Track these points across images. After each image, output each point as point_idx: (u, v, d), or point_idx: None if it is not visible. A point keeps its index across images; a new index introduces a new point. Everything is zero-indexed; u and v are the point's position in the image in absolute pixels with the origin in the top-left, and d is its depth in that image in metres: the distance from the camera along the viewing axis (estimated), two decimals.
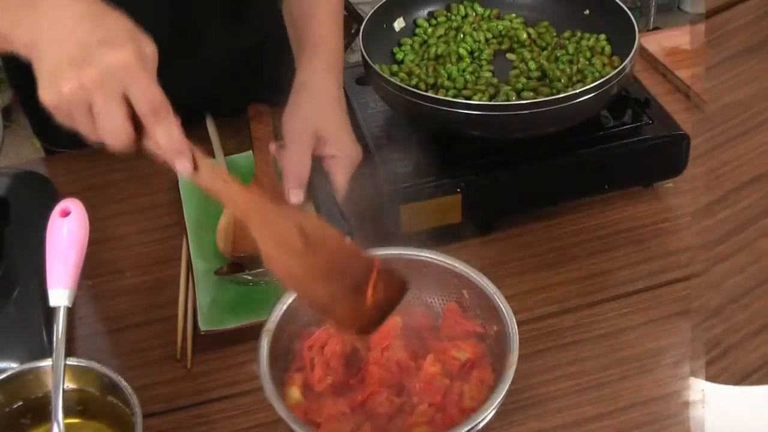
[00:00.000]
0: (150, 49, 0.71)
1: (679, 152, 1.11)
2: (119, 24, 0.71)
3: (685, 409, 0.90)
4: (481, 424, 0.76)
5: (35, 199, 1.08)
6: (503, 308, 0.84)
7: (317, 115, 1.00)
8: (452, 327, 0.87)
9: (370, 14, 1.17)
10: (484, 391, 0.81)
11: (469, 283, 0.87)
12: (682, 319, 0.98)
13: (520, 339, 0.96)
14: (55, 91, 0.68)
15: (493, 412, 0.77)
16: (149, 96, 0.69)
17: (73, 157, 1.35)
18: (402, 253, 0.90)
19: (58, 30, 0.69)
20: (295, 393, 0.82)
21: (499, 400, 0.77)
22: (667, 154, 1.11)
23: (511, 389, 0.91)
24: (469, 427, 0.75)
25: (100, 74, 0.67)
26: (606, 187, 1.12)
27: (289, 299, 0.87)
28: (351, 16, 2.68)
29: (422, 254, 0.90)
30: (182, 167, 0.70)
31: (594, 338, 0.97)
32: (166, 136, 0.70)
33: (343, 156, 1.00)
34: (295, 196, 0.98)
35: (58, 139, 1.30)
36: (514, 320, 0.83)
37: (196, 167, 0.71)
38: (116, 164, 1.26)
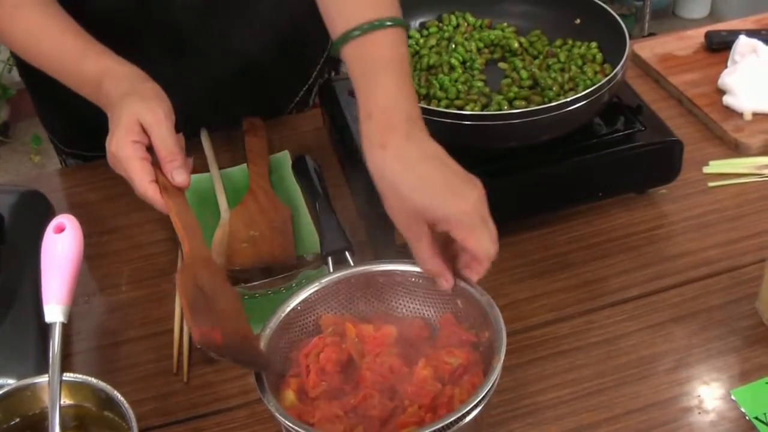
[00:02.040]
0: (151, 116, 0.90)
1: (673, 159, 1.11)
2: (130, 107, 0.91)
3: (682, 415, 0.90)
4: (468, 417, 0.76)
5: (30, 215, 1.08)
6: (491, 310, 0.84)
7: (413, 190, 0.81)
8: (448, 336, 0.87)
9: None
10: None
11: (461, 290, 0.87)
12: (677, 325, 0.99)
13: (517, 347, 0.96)
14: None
15: (480, 404, 0.77)
16: (127, 172, 0.91)
17: (68, 173, 1.35)
18: (397, 267, 0.90)
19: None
20: (289, 396, 0.82)
21: (486, 391, 0.77)
22: (660, 161, 1.11)
23: (509, 398, 0.92)
24: (456, 416, 0.75)
25: (109, 156, 0.92)
26: (600, 194, 1.12)
27: (286, 309, 0.87)
28: None
29: (415, 267, 0.89)
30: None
31: (590, 345, 0.97)
32: (142, 194, 0.91)
33: (481, 255, 0.82)
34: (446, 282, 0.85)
35: (67, 140, 1.38)
36: (501, 319, 0.82)
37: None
38: (111, 180, 1.25)
